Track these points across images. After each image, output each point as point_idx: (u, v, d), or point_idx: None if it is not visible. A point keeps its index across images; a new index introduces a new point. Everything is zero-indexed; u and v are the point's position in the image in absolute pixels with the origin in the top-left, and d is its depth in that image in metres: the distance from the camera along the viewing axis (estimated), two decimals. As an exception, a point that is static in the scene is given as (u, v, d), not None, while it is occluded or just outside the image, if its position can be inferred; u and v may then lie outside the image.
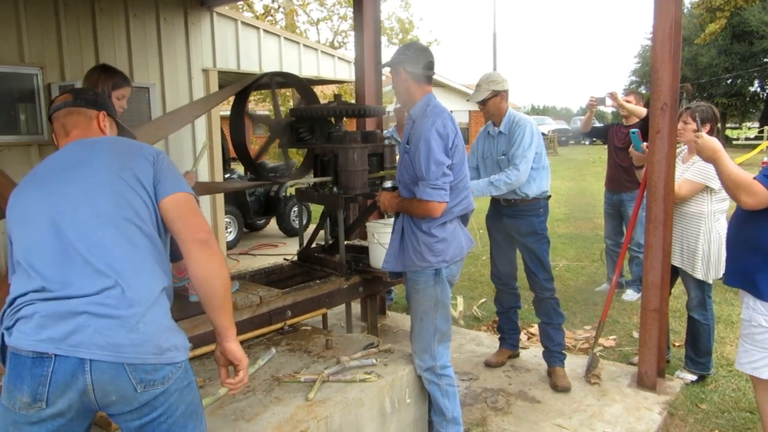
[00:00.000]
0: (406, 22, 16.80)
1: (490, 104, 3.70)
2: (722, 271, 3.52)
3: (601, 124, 6.37)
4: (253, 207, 8.65)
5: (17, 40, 4.80)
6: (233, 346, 1.71)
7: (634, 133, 3.83)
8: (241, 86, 3.88)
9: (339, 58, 8.12)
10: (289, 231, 9.03)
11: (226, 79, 7.22)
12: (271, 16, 16.25)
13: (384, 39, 17.23)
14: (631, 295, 5.40)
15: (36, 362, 1.44)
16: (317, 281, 3.53)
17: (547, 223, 3.82)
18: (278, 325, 3.20)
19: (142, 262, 1.59)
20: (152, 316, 1.54)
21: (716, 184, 3.44)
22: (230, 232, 8.01)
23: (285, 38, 7.23)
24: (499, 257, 3.96)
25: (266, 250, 8.16)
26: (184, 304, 3.11)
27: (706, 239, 3.58)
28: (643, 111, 5.05)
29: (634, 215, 4.02)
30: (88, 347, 1.45)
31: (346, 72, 8.33)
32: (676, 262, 3.70)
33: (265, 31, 6.92)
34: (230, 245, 7.94)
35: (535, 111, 58.00)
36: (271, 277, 3.80)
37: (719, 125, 3.65)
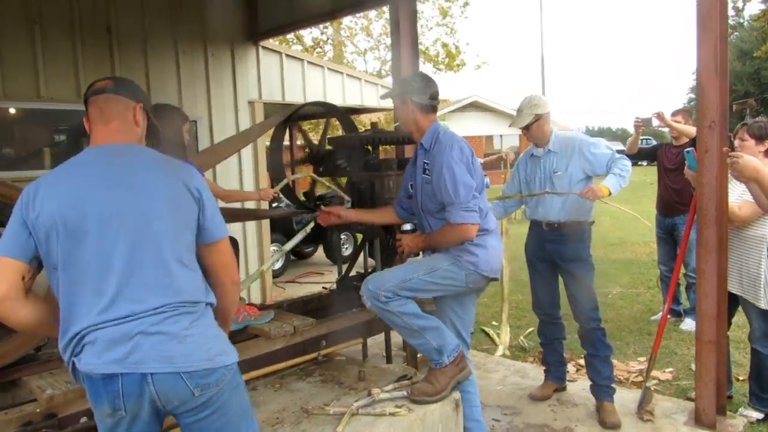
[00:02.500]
0: (452, 47, 16.86)
1: (534, 128, 3.62)
2: (788, 300, 3.28)
3: (655, 143, 6.13)
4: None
5: (75, 80, 5.08)
6: None
7: (689, 152, 3.62)
8: (282, 116, 3.95)
9: (382, 86, 8.19)
10: (336, 259, 9.06)
11: (272, 110, 7.41)
12: (320, 47, 16.68)
13: (430, 66, 17.33)
14: (689, 324, 5.09)
15: (106, 381, 1.62)
16: (354, 310, 3.50)
17: (591, 249, 3.67)
18: (312, 355, 3.17)
19: (188, 281, 1.74)
20: (198, 327, 1.71)
21: (780, 205, 3.23)
22: (277, 260, 8.10)
23: (329, 69, 7.37)
24: (540, 286, 3.81)
25: (313, 278, 8.21)
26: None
27: None
28: (692, 130, 4.81)
29: (685, 239, 3.80)
30: (146, 363, 1.62)
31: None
32: (734, 289, 3.46)
33: (309, 62, 7.09)
34: (277, 273, 8.03)
35: (589, 133, 56.67)
36: (308, 306, 3.79)
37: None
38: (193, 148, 5.59)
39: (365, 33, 16.77)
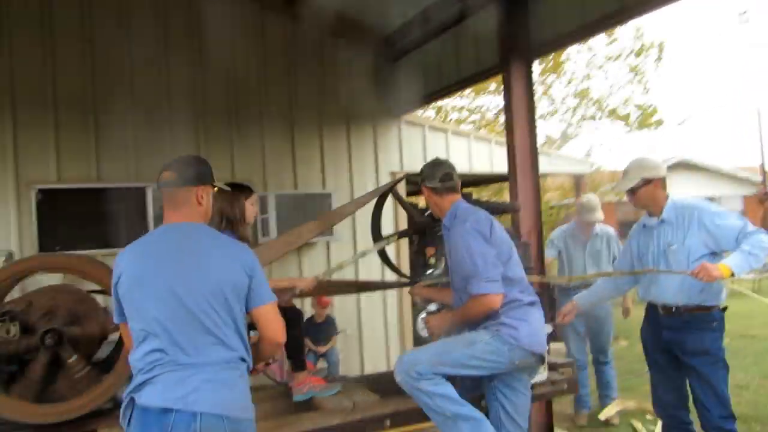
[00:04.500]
0: (648, 108, 15.54)
1: (642, 194, 3.15)
2: None
3: None
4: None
5: (230, 161, 5.82)
6: None
7: None
8: (373, 195, 3.98)
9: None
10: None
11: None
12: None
13: (622, 124, 16.22)
14: None
15: (161, 414, 1.90)
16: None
17: (723, 343, 2.96)
18: (372, 436, 3.00)
19: (238, 338, 2.07)
20: (243, 381, 2.06)
21: None
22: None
23: (474, 137, 7.33)
24: (660, 381, 3.16)
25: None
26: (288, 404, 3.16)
27: None
28: None
29: None
30: (201, 404, 1.92)
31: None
32: None
33: (453, 132, 7.13)
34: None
35: None
36: (382, 381, 3.64)
37: None
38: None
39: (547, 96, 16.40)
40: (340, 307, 6.10)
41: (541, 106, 16.14)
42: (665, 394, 3.13)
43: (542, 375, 3.20)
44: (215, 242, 2.16)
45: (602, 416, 4.75)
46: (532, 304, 2.59)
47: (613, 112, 15.97)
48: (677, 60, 40.42)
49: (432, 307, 2.86)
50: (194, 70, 5.68)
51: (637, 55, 15.31)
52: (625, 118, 16.08)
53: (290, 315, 3.28)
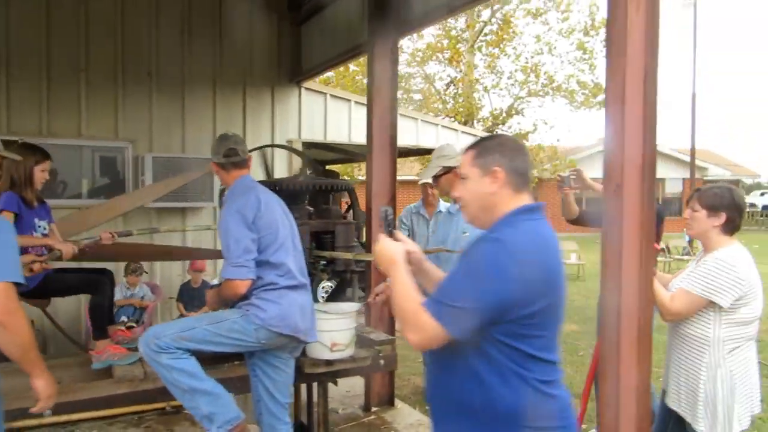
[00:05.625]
0: (591, 86, 15.67)
1: (443, 182, 3.22)
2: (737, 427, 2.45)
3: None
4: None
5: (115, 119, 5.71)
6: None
7: None
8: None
9: (442, 126, 7.91)
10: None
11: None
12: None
13: (564, 102, 16.34)
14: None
15: None
16: (236, 363, 3.32)
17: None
18: (160, 405, 3.08)
19: None
20: None
21: (725, 298, 2.42)
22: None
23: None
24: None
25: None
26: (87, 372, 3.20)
27: (710, 377, 2.49)
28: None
29: None
30: None
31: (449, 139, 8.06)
32: (674, 405, 2.64)
33: (356, 102, 7.09)
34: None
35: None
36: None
37: None
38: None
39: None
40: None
41: (487, 80, 16.16)
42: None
43: (343, 352, 3.29)
44: None
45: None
46: (292, 287, 2.64)
47: (558, 89, 16.08)
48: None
49: (215, 281, 2.91)
50: (80, 26, 5.52)
51: (586, 33, 15.33)
52: (570, 95, 16.22)
53: (92, 280, 3.30)
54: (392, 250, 1.64)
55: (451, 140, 7.90)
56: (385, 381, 4.54)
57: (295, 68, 6.50)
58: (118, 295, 5.63)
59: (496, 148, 1.62)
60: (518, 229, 1.55)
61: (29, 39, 5.37)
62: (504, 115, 16.81)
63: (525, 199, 1.62)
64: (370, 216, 4.37)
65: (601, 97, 16.23)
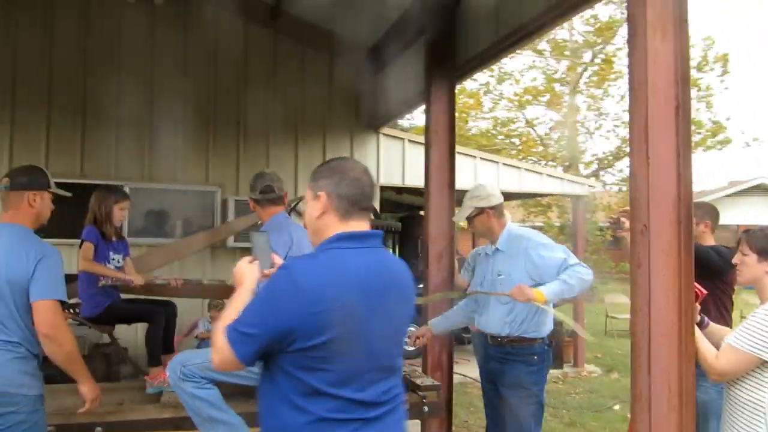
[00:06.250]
0: (708, 123, 14.51)
1: (477, 222, 3.15)
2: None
3: None
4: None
5: (204, 166, 6.21)
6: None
7: None
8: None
9: (525, 170, 7.69)
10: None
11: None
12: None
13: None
14: None
15: None
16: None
17: (544, 381, 2.89)
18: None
19: (16, 325, 2.28)
20: (17, 362, 2.27)
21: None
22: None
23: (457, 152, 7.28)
24: (488, 414, 3.11)
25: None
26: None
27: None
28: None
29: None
30: None
31: (540, 185, 7.82)
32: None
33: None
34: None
35: None
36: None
37: None
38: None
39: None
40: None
41: (591, 122, 15.57)
42: (491, 426, 3.08)
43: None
44: (11, 239, 2.32)
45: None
46: None
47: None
48: (742, 73, 36.64)
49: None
50: (179, 84, 6.15)
51: (699, 69, 14.37)
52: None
53: (148, 310, 3.55)
54: (244, 272, 1.71)
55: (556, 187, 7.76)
56: (442, 428, 4.37)
57: (372, 115, 6.72)
58: (201, 328, 6.00)
59: (324, 171, 1.62)
60: (317, 257, 1.54)
61: (138, 98, 6.05)
62: (611, 158, 16.03)
63: (353, 226, 1.58)
64: (428, 258, 4.34)
65: (722, 136, 15.09)
